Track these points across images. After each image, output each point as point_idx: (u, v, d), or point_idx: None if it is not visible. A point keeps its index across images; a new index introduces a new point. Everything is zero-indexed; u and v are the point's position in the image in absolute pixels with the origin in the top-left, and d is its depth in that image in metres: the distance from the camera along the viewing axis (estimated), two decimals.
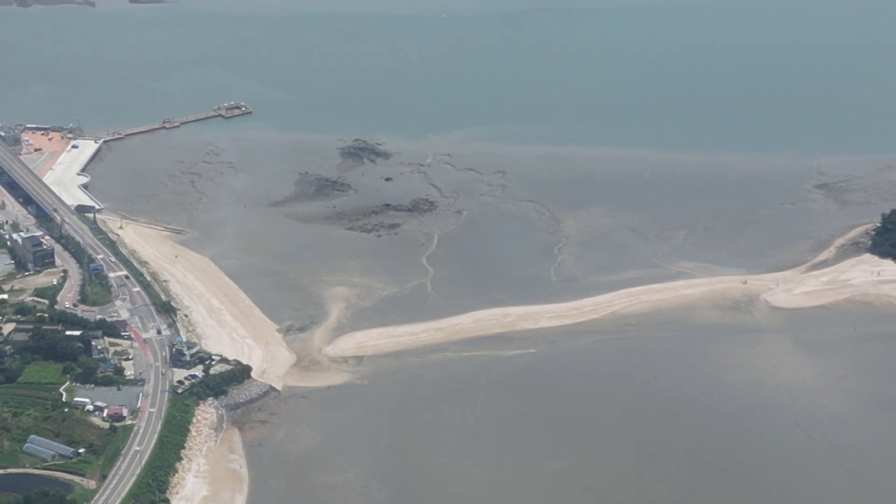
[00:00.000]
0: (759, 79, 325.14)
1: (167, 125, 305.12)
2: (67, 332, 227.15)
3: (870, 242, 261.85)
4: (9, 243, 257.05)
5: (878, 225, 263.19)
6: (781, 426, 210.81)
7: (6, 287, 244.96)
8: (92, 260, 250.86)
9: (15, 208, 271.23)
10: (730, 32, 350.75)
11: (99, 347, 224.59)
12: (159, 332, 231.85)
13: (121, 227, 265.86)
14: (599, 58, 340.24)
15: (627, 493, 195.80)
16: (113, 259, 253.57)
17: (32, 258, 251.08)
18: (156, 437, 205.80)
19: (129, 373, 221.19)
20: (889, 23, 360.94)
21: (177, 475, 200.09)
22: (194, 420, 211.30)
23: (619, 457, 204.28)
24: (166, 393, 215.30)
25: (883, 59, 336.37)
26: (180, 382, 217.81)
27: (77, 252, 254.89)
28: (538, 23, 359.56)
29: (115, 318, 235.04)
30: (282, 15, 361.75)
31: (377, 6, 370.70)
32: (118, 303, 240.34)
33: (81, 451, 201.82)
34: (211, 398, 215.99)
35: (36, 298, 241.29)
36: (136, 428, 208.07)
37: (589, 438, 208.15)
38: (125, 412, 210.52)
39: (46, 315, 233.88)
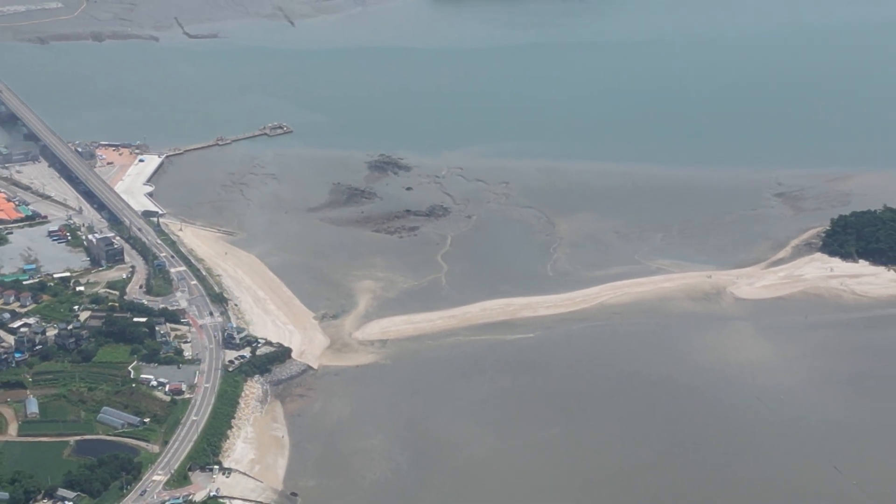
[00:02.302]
0: (725, 104, 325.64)
1: (220, 142, 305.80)
2: (135, 319, 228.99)
3: (821, 243, 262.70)
4: (85, 243, 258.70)
5: (828, 228, 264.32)
6: (744, 400, 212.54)
7: (83, 280, 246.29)
8: (156, 257, 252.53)
9: (90, 213, 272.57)
10: (700, 66, 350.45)
11: (161, 332, 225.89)
12: (212, 315, 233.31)
13: (180, 230, 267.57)
14: (589, 85, 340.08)
15: (612, 455, 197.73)
16: (173, 256, 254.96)
17: (105, 256, 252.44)
18: (210, 408, 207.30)
19: (187, 354, 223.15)
20: (833, 57, 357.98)
21: (228, 441, 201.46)
22: (243, 394, 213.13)
23: (605, 425, 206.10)
24: (219, 371, 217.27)
25: (831, 88, 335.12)
26: (231, 362, 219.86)
27: (143, 250, 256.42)
28: (537, 56, 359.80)
29: (175, 307, 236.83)
30: (317, 49, 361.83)
31: (397, 41, 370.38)
32: (178, 294, 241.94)
33: (147, 420, 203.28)
34: (257, 375, 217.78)
35: (108, 290, 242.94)
36: (193, 401, 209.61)
37: (580, 409, 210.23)
38: (184, 387, 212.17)
39: (117, 304, 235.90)
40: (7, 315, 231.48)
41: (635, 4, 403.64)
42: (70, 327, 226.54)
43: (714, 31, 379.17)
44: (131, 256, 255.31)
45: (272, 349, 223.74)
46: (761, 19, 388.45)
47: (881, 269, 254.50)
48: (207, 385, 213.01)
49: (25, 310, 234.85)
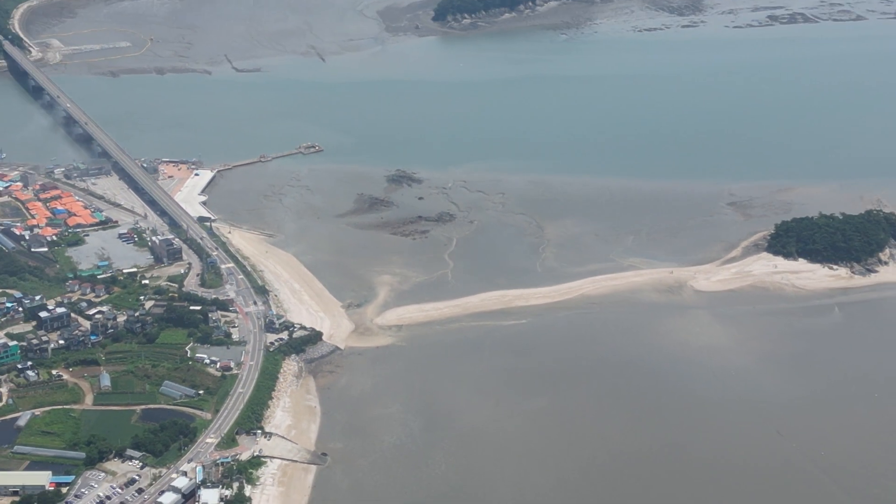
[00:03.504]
0: (685, 127, 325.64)
1: (262, 159, 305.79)
2: (191, 307, 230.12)
3: (766, 244, 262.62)
4: (149, 243, 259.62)
5: (773, 232, 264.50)
6: (701, 376, 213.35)
7: (147, 275, 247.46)
8: (208, 255, 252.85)
9: (154, 218, 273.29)
10: (663, 96, 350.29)
11: (213, 318, 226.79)
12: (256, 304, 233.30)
13: (229, 232, 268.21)
14: (571, 111, 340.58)
15: (590, 422, 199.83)
16: (223, 255, 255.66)
17: (166, 254, 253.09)
18: (254, 382, 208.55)
19: (235, 336, 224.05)
20: (776, 88, 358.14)
21: (269, 410, 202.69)
22: (281, 370, 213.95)
23: (585, 396, 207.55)
24: (261, 351, 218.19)
25: (774, 114, 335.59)
26: (271, 343, 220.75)
27: (198, 250, 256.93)
28: (530, 87, 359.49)
29: (225, 298, 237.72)
30: (343, 81, 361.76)
31: (411, 75, 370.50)
32: (227, 286, 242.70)
33: (201, 392, 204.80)
34: (293, 355, 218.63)
35: (169, 283, 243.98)
36: (239, 376, 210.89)
37: (563, 384, 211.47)
38: (232, 365, 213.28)
39: (176, 295, 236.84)
40: (84, 304, 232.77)
41: (608, 45, 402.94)
42: (137, 314, 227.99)
43: (674, 68, 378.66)
44: (188, 255, 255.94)
45: (306, 333, 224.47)
46: (714, 57, 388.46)
47: (817, 266, 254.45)
48: (252, 363, 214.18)
49: (99, 300, 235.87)
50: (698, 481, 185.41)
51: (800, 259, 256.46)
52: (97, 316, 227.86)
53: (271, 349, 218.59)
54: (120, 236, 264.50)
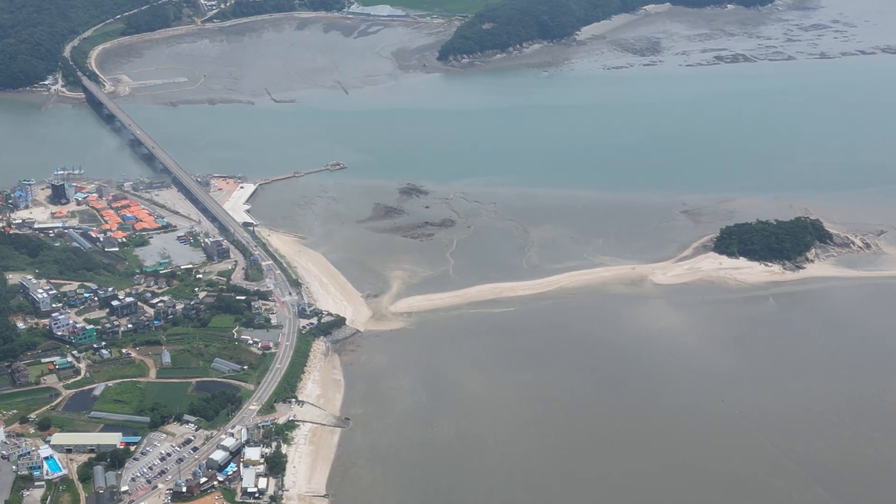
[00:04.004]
0: (647, 148, 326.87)
1: (296, 175, 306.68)
2: (237, 297, 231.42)
3: (713, 245, 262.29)
4: (202, 244, 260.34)
5: (718, 235, 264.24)
6: (660, 355, 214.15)
7: (201, 271, 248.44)
8: (251, 254, 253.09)
9: (206, 224, 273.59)
10: (628, 122, 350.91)
11: (255, 306, 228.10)
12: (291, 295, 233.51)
13: (268, 235, 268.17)
14: (553, 135, 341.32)
15: (566, 392, 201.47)
16: (264, 254, 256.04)
17: (217, 253, 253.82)
18: (289, 359, 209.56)
19: (274, 321, 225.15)
20: (722, 116, 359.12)
21: (301, 382, 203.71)
22: (312, 350, 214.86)
23: (562, 372, 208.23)
24: (295, 334, 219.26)
25: (720, 138, 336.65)
26: (303, 327, 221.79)
27: (243, 250, 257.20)
28: (517, 115, 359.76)
29: (265, 289, 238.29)
30: (364, 110, 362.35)
31: (419, 104, 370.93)
32: (267, 280, 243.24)
33: (245, 367, 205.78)
34: (322, 337, 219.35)
35: (218, 277, 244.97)
36: (277, 354, 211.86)
37: (544, 360, 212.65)
38: (271, 345, 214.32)
39: (225, 287, 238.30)
40: (149, 294, 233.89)
41: (582, 81, 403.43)
42: (192, 303, 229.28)
43: (637, 98, 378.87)
44: (234, 254, 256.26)
45: (332, 318, 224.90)
46: (669, 90, 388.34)
47: (755, 264, 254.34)
48: (287, 343, 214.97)
49: (161, 291, 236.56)
50: (655, 439, 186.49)
51: (741, 258, 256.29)
52: (159, 304, 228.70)
53: (303, 332, 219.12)
54: (178, 238, 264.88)
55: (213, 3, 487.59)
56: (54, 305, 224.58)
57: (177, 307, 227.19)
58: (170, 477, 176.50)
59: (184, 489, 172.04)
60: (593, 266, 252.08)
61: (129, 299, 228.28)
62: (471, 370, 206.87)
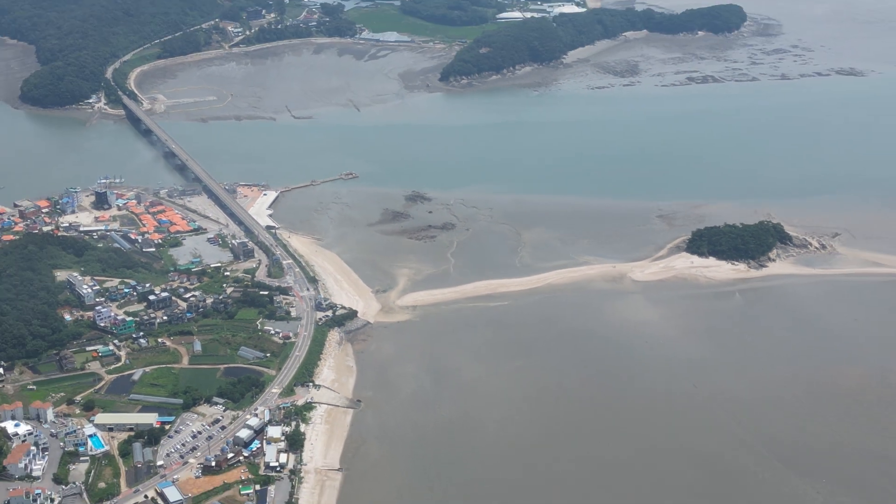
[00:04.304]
0: (627, 160, 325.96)
1: (313, 184, 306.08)
2: (261, 292, 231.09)
3: (685, 246, 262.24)
4: (230, 245, 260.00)
5: (690, 237, 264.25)
6: (638, 344, 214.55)
7: (228, 269, 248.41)
8: (273, 254, 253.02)
9: (233, 227, 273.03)
10: (612, 137, 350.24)
11: (277, 300, 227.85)
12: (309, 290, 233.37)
13: (289, 237, 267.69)
14: (543, 148, 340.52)
15: (554, 377, 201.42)
16: (284, 254, 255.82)
17: (242, 253, 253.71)
18: (307, 348, 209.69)
19: (293, 314, 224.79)
20: (695, 132, 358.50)
21: (318, 368, 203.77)
22: (327, 339, 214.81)
23: (550, 359, 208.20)
24: (312, 325, 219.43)
25: (693, 151, 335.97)
26: (320, 319, 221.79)
27: (266, 250, 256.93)
28: (511, 130, 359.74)
29: (286, 285, 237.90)
30: (373, 125, 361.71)
31: (423, 121, 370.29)
32: (287, 277, 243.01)
33: (268, 354, 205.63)
34: (336, 327, 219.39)
35: (244, 274, 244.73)
36: (296, 343, 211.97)
37: (535, 349, 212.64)
38: (291, 335, 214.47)
39: (249, 283, 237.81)
40: (182, 290, 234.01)
41: (569, 99, 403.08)
42: (220, 297, 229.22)
43: (617, 115, 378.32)
44: (258, 254, 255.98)
45: (345, 311, 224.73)
46: (646, 108, 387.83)
47: (723, 263, 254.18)
48: (305, 333, 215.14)
49: (193, 287, 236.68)
50: (634, 420, 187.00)
51: (710, 257, 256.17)
52: (191, 298, 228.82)
53: (320, 323, 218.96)
54: (208, 240, 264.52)
55: (239, 29, 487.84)
56: (97, 300, 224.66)
57: (207, 301, 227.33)
58: (200, 453, 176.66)
59: (213, 463, 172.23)
60: (579, 265, 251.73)
61: (164, 294, 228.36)
62: (469, 358, 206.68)
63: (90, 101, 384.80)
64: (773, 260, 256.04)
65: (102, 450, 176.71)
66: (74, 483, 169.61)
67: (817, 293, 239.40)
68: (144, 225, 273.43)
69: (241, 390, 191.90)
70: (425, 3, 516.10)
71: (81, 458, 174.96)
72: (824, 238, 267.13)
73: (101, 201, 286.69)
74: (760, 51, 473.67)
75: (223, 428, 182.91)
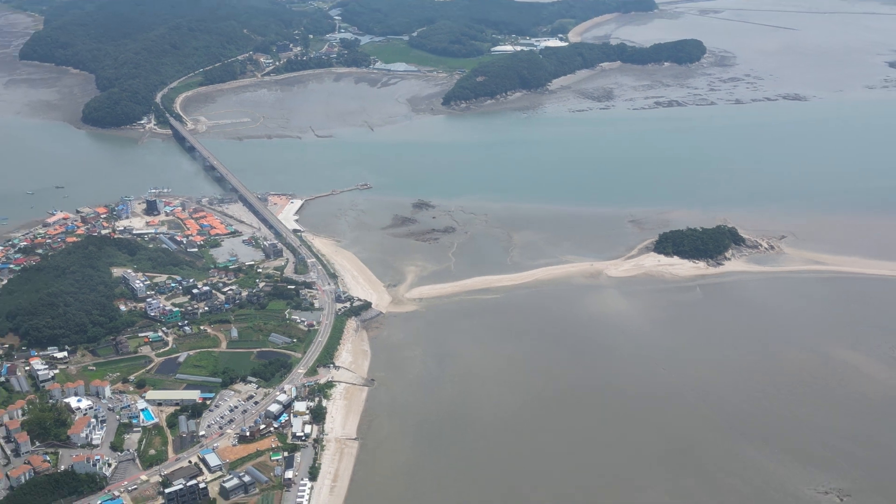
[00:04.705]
0: (603, 172, 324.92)
1: (334, 193, 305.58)
2: (288, 287, 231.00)
3: (653, 247, 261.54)
4: (262, 246, 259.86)
5: (658, 239, 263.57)
6: (611, 331, 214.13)
7: (261, 266, 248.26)
8: (299, 254, 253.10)
9: (265, 230, 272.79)
10: (590, 152, 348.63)
11: (302, 293, 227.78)
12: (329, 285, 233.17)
13: (312, 239, 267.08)
14: (531, 162, 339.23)
15: (540, 359, 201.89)
16: (309, 253, 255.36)
17: (272, 253, 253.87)
18: (328, 334, 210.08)
19: (316, 305, 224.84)
20: (661, 147, 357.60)
21: (337, 351, 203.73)
22: (346, 327, 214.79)
23: (537, 344, 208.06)
24: (333, 314, 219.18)
25: (659, 163, 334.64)
26: (339, 309, 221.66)
27: (293, 250, 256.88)
28: (503, 147, 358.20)
29: (310, 280, 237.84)
30: (385, 143, 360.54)
31: (428, 139, 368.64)
32: (311, 273, 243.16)
33: (294, 340, 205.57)
34: (353, 317, 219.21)
35: (274, 271, 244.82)
36: (319, 330, 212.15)
37: (524, 336, 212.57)
38: (314, 323, 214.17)
39: (279, 279, 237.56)
40: (221, 284, 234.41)
41: (553, 121, 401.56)
42: (254, 291, 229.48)
43: (595, 134, 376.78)
44: (286, 253, 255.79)
45: (361, 303, 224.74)
46: (620, 128, 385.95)
47: (686, 261, 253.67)
48: (327, 322, 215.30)
49: (230, 282, 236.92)
50: (609, 395, 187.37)
51: (674, 256, 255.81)
52: (228, 292, 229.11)
53: (339, 313, 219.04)
54: (243, 242, 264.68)
55: (270, 61, 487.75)
56: (148, 293, 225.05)
57: (242, 294, 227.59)
58: (237, 424, 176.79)
59: (247, 433, 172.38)
60: (561, 263, 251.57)
61: (205, 288, 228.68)
62: (467, 343, 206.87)
63: (142, 122, 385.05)
64: (729, 259, 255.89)
65: (152, 422, 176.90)
66: (128, 450, 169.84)
67: (767, 288, 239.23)
68: (188, 228, 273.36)
69: (272, 371, 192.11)
70: (430, 38, 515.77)
71: (134, 429, 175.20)
72: (772, 240, 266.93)
73: (151, 208, 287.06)
74: (718, 79, 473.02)
75: (256, 403, 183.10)
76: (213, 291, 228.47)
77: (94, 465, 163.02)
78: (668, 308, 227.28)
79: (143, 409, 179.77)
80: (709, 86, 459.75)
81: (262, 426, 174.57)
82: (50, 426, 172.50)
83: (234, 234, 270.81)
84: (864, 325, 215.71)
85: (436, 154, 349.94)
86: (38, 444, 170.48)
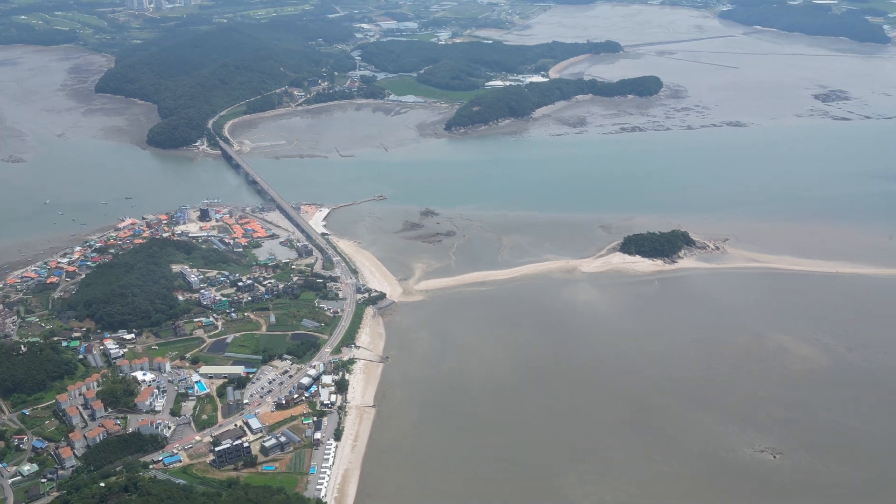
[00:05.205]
0: (578, 185, 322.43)
1: (355, 203, 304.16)
2: (317, 280, 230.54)
3: (619, 247, 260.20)
4: (295, 247, 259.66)
5: (623, 241, 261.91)
6: (584, 318, 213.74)
7: (294, 263, 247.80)
8: (326, 253, 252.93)
9: (297, 234, 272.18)
10: (568, 169, 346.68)
11: (329, 286, 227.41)
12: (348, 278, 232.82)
13: (337, 241, 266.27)
14: (518, 177, 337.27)
15: (525, 340, 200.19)
16: (334, 252, 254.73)
17: (304, 252, 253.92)
18: (350, 320, 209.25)
19: (341, 295, 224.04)
20: (629, 165, 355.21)
21: (357, 334, 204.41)
22: (364, 313, 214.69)
23: (522, 327, 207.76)
24: (354, 303, 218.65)
25: (624, 178, 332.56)
26: (359, 299, 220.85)
27: (321, 250, 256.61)
28: (497, 165, 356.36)
29: (335, 275, 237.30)
30: (398, 162, 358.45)
31: (432, 158, 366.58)
32: (336, 269, 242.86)
33: (322, 325, 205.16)
34: (371, 305, 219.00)
35: (305, 267, 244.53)
36: (342, 316, 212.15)
37: (512, 321, 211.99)
38: (339, 310, 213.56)
39: (309, 274, 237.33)
40: (261, 278, 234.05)
41: (536, 143, 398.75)
42: (289, 284, 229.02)
43: (571, 154, 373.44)
44: (316, 253, 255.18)
45: (377, 293, 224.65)
46: (591, 150, 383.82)
47: (646, 260, 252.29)
48: (349, 310, 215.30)
49: (269, 276, 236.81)
50: (582, 369, 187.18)
51: (637, 255, 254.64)
52: (268, 284, 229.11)
53: (359, 302, 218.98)
54: (280, 243, 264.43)
55: (302, 93, 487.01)
56: (201, 285, 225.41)
57: (279, 286, 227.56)
58: (274, 394, 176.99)
59: (283, 402, 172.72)
60: (543, 260, 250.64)
61: (248, 281, 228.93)
62: (465, 327, 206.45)
63: (196, 144, 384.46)
64: (682, 257, 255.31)
65: (205, 392, 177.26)
66: (185, 415, 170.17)
67: (713, 281, 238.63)
68: (235, 232, 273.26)
69: (303, 350, 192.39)
70: (434, 74, 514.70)
71: (190, 398, 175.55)
72: (718, 242, 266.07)
73: (204, 215, 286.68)
74: (672, 109, 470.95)
75: (290, 376, 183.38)
76: (255, 284, 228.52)
77: (157, 427, 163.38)
78: (632, 298, 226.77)
79: (196, 382, 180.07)
80: (665, 114, 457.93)
81: (295, 396, 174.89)
82: (120, 395, 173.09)
83: (273, 236, 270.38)
84: (792, 312, 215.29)
85: (439, 171, 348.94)
86: (110, 410, 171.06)
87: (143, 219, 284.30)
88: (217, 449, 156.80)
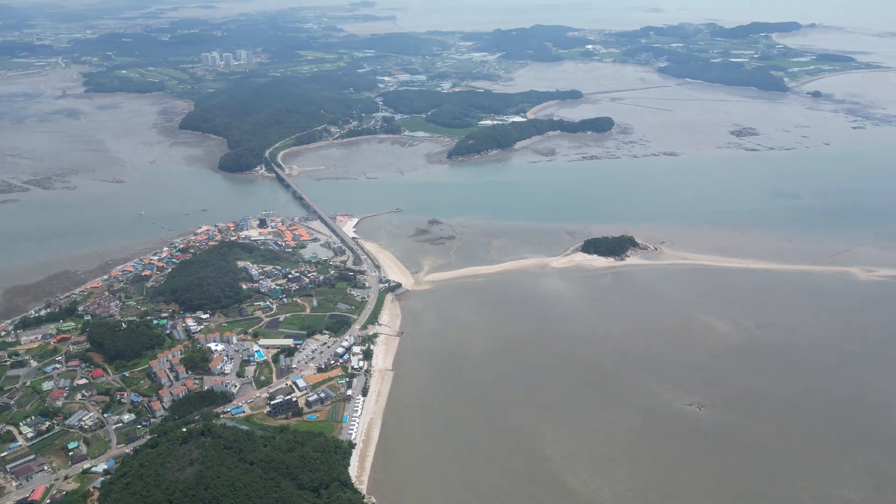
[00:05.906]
0: (550, 201, 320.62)
1: (377, 214, 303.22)
2: (349, 273, 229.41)
3: (581, 248, 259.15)
4: (332, 248, 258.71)
5: (583, 243, 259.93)
6: (555, 302, 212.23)
7: (332, 261, 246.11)
8: (356, 252, 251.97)
9: (334, 238, 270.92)
10: (539, 190, 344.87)
11: (358, 278, 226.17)
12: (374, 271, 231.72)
13: (364, 243, 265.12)
14: (503, 195, 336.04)
15: (508, 320, 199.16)
16: (363, 252, 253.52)
17: (339, 252, 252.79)
18: (374, 303, 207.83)
19: (367, 285, 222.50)
20: (585, 187, 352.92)
21: (380, 314, 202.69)
22: (385, 299, 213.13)
23: (507, 310, 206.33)
24: (377, 291, 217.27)
25: (586, 197, 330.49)
26: (381, 288, 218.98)
27: (352, 250, 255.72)
28: (488, 186, 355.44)
29: (363, 270, 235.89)
30: (411, 183, 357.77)
31: (437, 180, 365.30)
32: (364, 265, 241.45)
33: (353, 307, 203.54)
34: (390, 292, 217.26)
35: (340, 264, 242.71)
36: (368, 301, 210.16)
37: (497, 306, 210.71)
38: (365, 297, 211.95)
39: (343, 268, 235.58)
40: (307, 271, 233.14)
41: (516, 169, 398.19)
42: (327, 276, 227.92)
43: (543, 178, 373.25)
44: (348, 252, 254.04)
45: (395, 283, 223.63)
46: (560, 174, 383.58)
47: (601, 258, 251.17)
48: (373, 296, 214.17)
49: (312, 270, 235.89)
50: (553, 343, 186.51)
51: (594, 254, 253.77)
52: (311, 276, 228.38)
53: (381, 290, 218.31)
54: (321, 245, 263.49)
55: (337, 130, 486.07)
56: (260, 277, 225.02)
57: (320, 278, 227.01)
58: (316, 360, 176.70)
59: (323, 366, 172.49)
60: (522, 259, 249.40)
61: (296, 274, 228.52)
62: (463, 310, 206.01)
63: (256, 169, 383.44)
64: (629, 256, 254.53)
65: (263, 359, 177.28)
66: (247, 377, 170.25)
67: (653, 275, 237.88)
68: (286, 236, 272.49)
69: (339, 326, 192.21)
70: (439, 115, 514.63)
71: (251, 363, 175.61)
72: (656, 244, 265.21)
73: (262, 223, 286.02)
74: (622, 142, 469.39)
75: (328, 347, 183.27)
76: (301, 276, 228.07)
77: (226, 386, 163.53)
78: (590, 288, 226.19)
79: (256, 351, 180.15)
80: (616, 146, 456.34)
81: (332, 362, 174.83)
82: (198, 361, 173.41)
83: (315, 240, 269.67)
84: (714, 299, 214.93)
85: (443, 190, 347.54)
86: (190, 372, 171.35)
87: (216, 226, 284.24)
88: (272, 402, 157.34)
